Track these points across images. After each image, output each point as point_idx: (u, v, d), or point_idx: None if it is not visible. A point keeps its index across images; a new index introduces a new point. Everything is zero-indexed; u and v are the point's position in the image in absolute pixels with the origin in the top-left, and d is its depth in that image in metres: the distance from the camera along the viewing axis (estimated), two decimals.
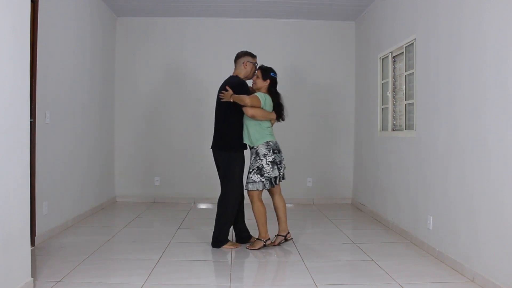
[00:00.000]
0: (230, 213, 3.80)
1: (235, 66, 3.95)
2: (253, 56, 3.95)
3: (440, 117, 3.61)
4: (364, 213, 5.65)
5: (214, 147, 3.90)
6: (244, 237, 4.00)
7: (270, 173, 3.70)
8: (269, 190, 3.88)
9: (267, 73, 3.86)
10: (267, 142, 3.74)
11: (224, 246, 3.82)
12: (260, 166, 3.70)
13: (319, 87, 6.39)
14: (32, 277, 2.73)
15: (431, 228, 3.72)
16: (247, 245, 3.88)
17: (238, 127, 3.80)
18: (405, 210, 4.34)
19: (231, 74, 3.97)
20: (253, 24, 6.33)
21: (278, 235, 3.93)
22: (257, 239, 3.83)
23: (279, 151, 3.80)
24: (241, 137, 3.81)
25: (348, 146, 6.40)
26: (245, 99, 3.66)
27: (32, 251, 3.38)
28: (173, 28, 6.30)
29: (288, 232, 3.93)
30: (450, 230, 3.41)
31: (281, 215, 3.91)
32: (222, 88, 3.80)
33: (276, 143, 3.81)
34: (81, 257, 3.41)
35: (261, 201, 3.80)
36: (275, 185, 3.81)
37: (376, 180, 5.28)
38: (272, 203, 3.96)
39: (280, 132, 6.31)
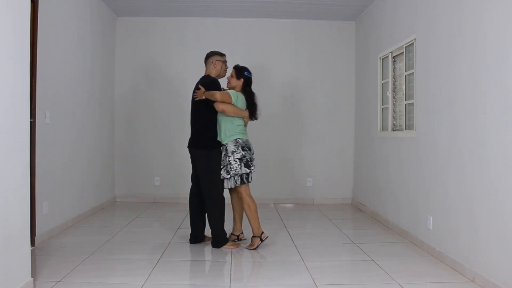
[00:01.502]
0: (219, 211, 3.83)
1: (206, 66, 4.04)
2: (222, 55, 4.05)
3: (440, 117, 3.61)
4: (364, 213, 5.65)
5: (192, 145, 3.94)
6: (199, 237, 3.98)
7: (237, 170, 3.74)
8: (229, 189, 3.91)
9: (241, 72, 3.94)
10: (236, 139, 3.80)
11: (224, 246, 3.82)
12: (227, 163, 3.77)
13: (319, 87, 6.39)
14: (32, 277, 2.73)
15: (431, 228, 3.72)
16: (247, 245, 3.88)
17: (214, 124, 3.87)
18: (405, 210, 4.34)
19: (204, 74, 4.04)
20: (253, 24, 6.33)
21: (231, 234, 4.04)
22: (253, 236, 3.85)
23: (249, 149, 3.85)
24: (217, 135, 3.89)
25: (348, 146, 6.40)
26: (216, 94, 3.76)
27: (32, 251, 3.37)
28: (173, 28, 6.30)
29: (242, 233, 4.05)
30: (450, 230, 3.41)
31: (236, 215, 4.02)
32: (196, 88, 3.90)
33: (247, 141, 3.87)
34: (81, 257, 3.41)
35: (250, 196, 3.85)
36: (248, 183, 3.85)
37: (376, 180, 5.28)
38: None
39: (280, 132, 6.34)
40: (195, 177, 3.99)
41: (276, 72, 6.33)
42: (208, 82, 3.87)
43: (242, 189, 3.81)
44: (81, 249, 3.65)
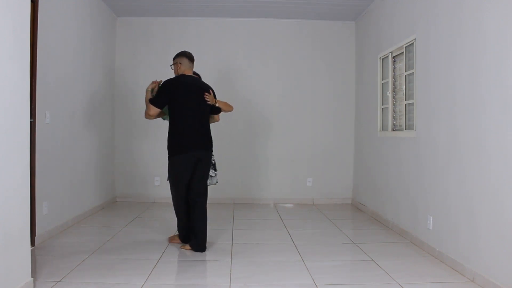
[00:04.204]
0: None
1: (192, 66, 3.85)
2: None
3: (440, 117, 3.61)
4: (364, 213, 5.65)
5: (203, 148, 3.76)
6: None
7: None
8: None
9: None
10: None
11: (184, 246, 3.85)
12: (213, 162, 4.09)
13: (319, 87, 6.39)
14: (32, 277, 2.73)
15: (431, 228, 3.72)
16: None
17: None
18: (405, 210, 4.34)
19: (190, 74, 3.84)
20: (253, 24, 6.33)
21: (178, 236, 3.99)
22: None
23: None
24: None
25: (348, 146, 6.40)
26: (232, 106, 4.00)
27: (32, 251, 3.38)
28: (173, 28, 6.30)
29: None
30: (450, 230, 3.41)
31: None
32: (205, 90, 3.76)
33: None
34: (81, 257, 3.42)
35: None
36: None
37: (376, 180, 5.28)
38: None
39: (280, 132, 6.34)
40: (187, 182, 3.78)
41: (276, 72, 6.33)
42: (212, 89, 3.89)
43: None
44: (81, 249, 3.65)
